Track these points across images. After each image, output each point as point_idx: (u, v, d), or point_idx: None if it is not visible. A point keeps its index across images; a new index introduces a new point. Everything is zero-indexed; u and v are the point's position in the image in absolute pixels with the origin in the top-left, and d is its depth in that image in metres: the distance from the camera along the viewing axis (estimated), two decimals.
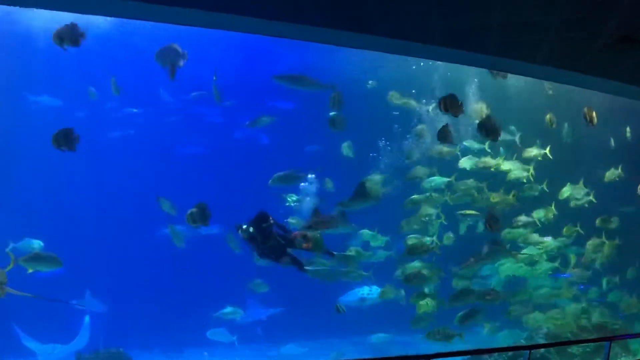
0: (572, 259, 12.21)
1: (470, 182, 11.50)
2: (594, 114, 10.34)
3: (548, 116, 11.31)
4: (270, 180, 10.48)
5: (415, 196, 11.39)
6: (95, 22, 11.32)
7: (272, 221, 9.52)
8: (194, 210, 8.97)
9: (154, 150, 14.19)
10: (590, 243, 12.03)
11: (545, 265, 12.05)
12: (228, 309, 12.16)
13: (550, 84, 12.24)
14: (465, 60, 6.31)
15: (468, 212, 11.36)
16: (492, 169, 11.54)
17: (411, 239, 10.93)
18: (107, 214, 13.68)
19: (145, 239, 12.96)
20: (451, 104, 8.21)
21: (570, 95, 11.67)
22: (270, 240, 9.39)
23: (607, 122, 12.27)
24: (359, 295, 12.14)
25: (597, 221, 12.21)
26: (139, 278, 13.35)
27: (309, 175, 11.14)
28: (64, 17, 10.33)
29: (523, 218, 11.62)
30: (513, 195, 11.36)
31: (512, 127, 12.66)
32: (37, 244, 10.74)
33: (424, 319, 10.84)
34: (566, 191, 12.09)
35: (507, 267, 11.77)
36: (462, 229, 11.77)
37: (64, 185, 13.70)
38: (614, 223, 12.30)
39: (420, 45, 5.69)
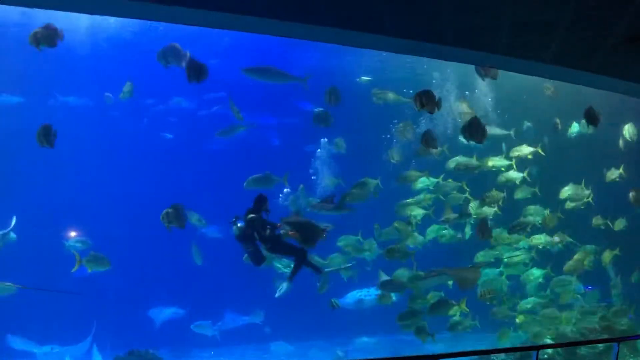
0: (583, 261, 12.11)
1: (450, 182, 11.47)
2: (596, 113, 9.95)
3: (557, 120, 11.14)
4: (245, 183, 10.54)
5: (410, 200, 11.37)
6: (128, 24, 11.59)
7: (267, 207, 9.43)
8: (169, 210, 8.88)
9: (173, 150, 14.22)
10: (576, 257, 11.86)
11: (536, 272, 11.99)
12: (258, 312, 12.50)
13: (551, 86, 12.12)
14: (475, 60, 6.29)
15: (451, 216, 11.19)
16: (476, 170, 11.41)
17: (398, 223, 10.86)
18: (115, 214, 13.72)
19: (153, 240, 12.92)
20: (427, 99, 7.83)
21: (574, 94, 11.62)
22: (265, 228, 9.25)
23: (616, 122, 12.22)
24: (357, 297, 12.09)
25: (593, 220, 12.12)
26: (145, 278, 13.37)
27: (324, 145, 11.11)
28: (89, 19, 10.60)
29: (522, 221, 11.54)
30: (500, 198, 11.23)
31: (529, 124, 12.60)
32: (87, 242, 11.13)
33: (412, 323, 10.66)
34: (567, 191, 11.99)
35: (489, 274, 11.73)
36: (467, 233, 11.70)
37: (73, 184, 13.83)
38: (620, 224, 12.21)
39: (430, 45, 5.67)
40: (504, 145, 11.92)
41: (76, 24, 12.05)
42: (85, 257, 9.94)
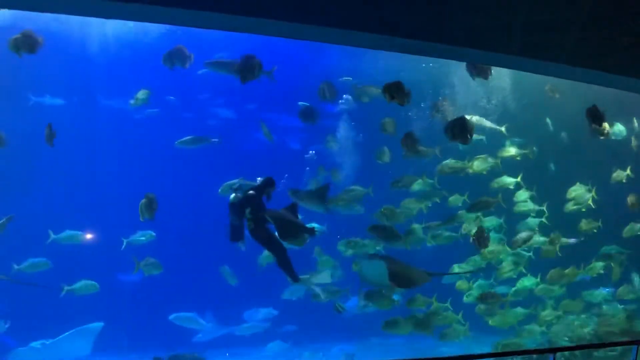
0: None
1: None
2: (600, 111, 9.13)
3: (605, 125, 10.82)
4: (220, 189, 10.56)
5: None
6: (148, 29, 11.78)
7: (270, 193, 9.17)
8: (143, 201, 8.88)
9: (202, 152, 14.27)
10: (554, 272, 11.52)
11: (527, 282, 11.64)
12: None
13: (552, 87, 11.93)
14: (488, 60, 6.27)
15: (433, 224, 10.92)
16: (461, 173, 10.98)
17: (385, 209, 10.42)
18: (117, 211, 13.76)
19: (166, 236, 12.96)
20: (397, 91, 7.45)
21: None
22: (259, 210, 8.96)
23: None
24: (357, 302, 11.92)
25: (582, 224, 11.73)
26: (157, 278, 13.36)
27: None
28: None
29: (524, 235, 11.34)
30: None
31: (548, 120, 12.36)
32: (148, 234, 11.29)
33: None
34: (574, 191, 11.77)
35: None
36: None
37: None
38: (630, 231, 11.93)
39: (441, 45, 5.64)
40: (507, 142, 11.70)
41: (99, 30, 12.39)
42: (142, 262, 10.38)
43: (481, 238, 10.15)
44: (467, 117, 8.92)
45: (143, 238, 11.21)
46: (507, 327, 11.34)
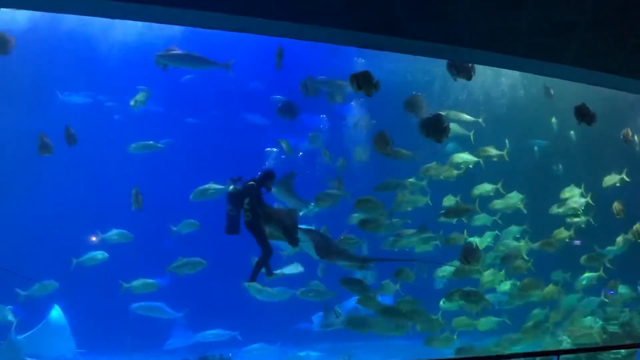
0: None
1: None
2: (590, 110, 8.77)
3: (626, 130, 10.65)
4: (191, 195, 10.69)
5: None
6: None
7: (270, 186, 9.14)
8: (133, 192, 9.50)
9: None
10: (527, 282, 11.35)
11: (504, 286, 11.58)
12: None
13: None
14: (494, 62, 6.23)
15: (408, 231, 10.81)
16: (441, 176, 10.96)
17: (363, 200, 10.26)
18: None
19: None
20: (365, 81, 7.16)
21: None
22: (257, 202, 8.90)
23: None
24: (354, 304, 11.91)
25: (554, 233, 11.60)
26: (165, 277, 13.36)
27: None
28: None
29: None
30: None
31: (553, 119, 12.28)
32: (194, 223, 11.45)
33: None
34: (568, 192, 11.66)
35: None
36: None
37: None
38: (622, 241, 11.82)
39: (447, 47, 5.63)
40: (507, 142, 11.64)
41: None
42: (175, 264, 10.56)
43: (470, 253, 9.81)
44: (443, 113, 8.80)
45: (186, 228, 11.37)
46: (469, 329, 11.29)
